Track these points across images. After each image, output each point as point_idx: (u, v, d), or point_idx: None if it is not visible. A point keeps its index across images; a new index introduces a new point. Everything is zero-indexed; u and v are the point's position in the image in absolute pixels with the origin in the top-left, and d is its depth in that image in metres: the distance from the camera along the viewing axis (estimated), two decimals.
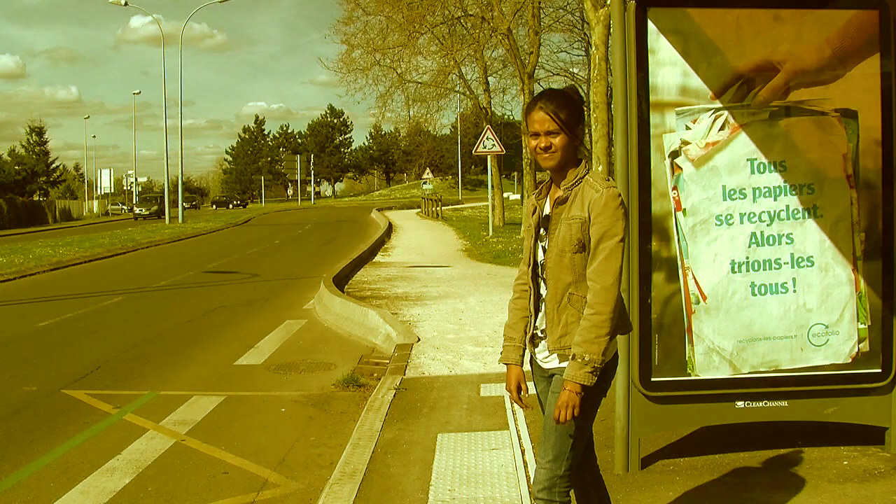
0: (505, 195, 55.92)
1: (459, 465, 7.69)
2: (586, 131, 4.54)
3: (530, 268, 5.00)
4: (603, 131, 25.23)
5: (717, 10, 7.19)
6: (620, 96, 7.00)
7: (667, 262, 7.14)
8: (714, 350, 7.20)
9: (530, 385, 4.99)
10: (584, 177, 4.78)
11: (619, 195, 4.68)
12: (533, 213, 5.03)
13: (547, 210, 4.90)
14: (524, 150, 42.49)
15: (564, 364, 4.70)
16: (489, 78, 49.69)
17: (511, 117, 64.82)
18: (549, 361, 4.88)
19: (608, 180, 4.77)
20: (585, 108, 38.20)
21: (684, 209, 7.07)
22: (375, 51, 45.41)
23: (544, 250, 4.88)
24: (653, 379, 7.16)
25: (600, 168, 24.98)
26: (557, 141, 4.76)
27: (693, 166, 7.04)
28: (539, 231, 4.97)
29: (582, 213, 4.69)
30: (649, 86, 7.02)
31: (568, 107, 4.80)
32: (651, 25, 7.00)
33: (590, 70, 44.02)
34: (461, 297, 19.06)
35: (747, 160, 7.11)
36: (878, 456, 7.45)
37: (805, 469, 7.21)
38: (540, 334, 4.94)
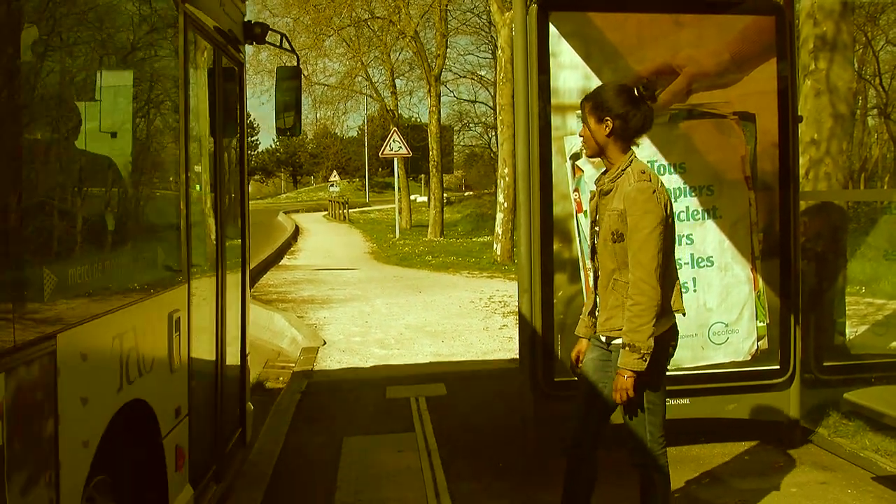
0: (412, 197, 55.92)
1: (365, 468, 7.66)
2: (613, 123, 5.06)
3: (590, 250, 5.50)
4: (508, 133, 25.44)
5: (618, 14, 7.28)
6: (522, 99, 7.03)
7: (569, 262, 7.19)
8: None
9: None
10: (626, 169, 5.12)
11: (650, 188, 4.97)
12: (591, 199, 5.48)
13: (596, 199, 5.33)
14: (431, 153, 42.52)
15: (614, 341, 5.18)
16: (396, 80, 49.58)
17: (418, 119, 64.83)
18: (601, 337, 5.33)
19: (643, 173, 5.07)
20: (492, 110, 38.28)
21: (585, 211, 7.11)
22: (282, 53, 45.07)
23: (597, 236, 5.32)
24: (556, 379, 7.19)
25: (506, 170, 25.14)
26: (583, 130, 5.27)
27: (594, 168, 7.09)
28: (595, 217, 5.38)
29: (619, 205, 5.05)
30: (551, 89, 7.07)
31: (589, 99, 5.25)
32: (553, 29, 7.05)
33: (496, 73, 44.14)
34: (367, 300, 18.98)
35: (648, 162, 7.16)
36: (778, 450, 7.59)
37: (707, 465, 7.32)
38: (597, 312, 5.41)
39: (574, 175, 7.12)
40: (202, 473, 6.10)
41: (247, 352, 7.73)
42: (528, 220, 7.07)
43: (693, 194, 7.26)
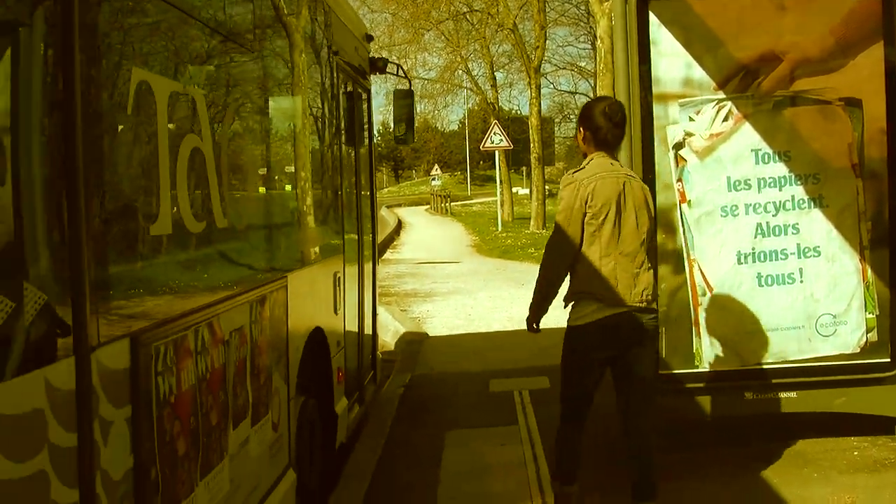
0: (514, 190, 55.91)
1: (468, 462, 7.66)
2: (584, 133, 5.99)
3: None
4: None
5: (718, 0, 7.17)
6: (623, 89, 6.97)
7: (673, 254, 7.11)
8: (721, 342, 7.17)
9: None
10: (581, 168, 5.95)
11: (568, 180, 5.88)
12: None
13: None
14: (532, 145, 42.40)
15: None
16: (496, 73, 49.59)
17: (518, 112, 64.74)
18: None
19: (576, 171, 5.93)
20: None
21: (689, 201, 7.04)
22: (381, 48, 45.38)
23: None
24: (660, 372, 7.12)
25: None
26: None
27: (697, 158, 7.01)
28: None
29: None
30: (652, 78, 6.99)
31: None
32: (652, 17, 6.97)
33: (596, 63, 43.89)
34: (470, 293, 19.02)
35: (752, 150, 7.07)
36: (888, 446, 7.36)
37: (815, 460, 7.15)
38: None
39: (677, 165, 7.03)
40: (350, 394, 8.20)
41: (377, 311, 10.26)
42: None
43: (798, 182, 7.12)
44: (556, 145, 62.65)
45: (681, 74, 7.01)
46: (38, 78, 2.92)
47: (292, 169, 6.41)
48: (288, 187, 6.41)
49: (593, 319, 5.72)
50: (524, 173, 73.66)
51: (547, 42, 44.02)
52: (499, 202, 42.89)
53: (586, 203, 5.66)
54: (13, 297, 2.68)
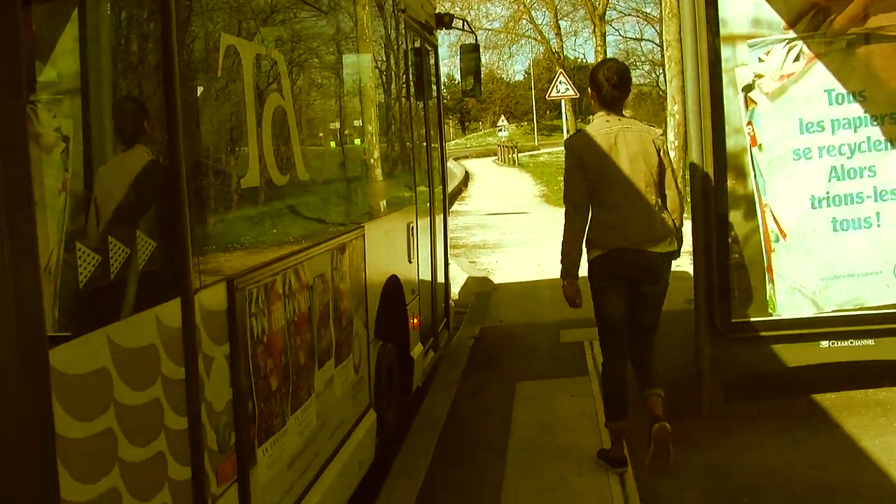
0: None
1: (538, 414, 7.60)
2: (591, 92, 6.47)
3: None
4: (677, 69, 24.80)
5: None
6: (690, 31, 6.79)
7: (744, 199, 6.94)
8: (796, 289, 7.00)
9: None
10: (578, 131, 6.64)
11: (567, 140, 6.55)
12: None
13: None
14: None
15: None
16: (560, 22, 49.13)
17: (584, 60, 64.06)
18: None
19: (576, 133, 6.65)
20: (658, 47, 37.63)
21: (760, 144, 6.85)
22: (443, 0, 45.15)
23: None
24: (733, 320, 6.99)
25: (675, 108, 24.63)
26: None
27: (768, 100, 6.82)
28: None
29: None
30: (719, 19, 6.79)
31: None
32: None
33: (661, 8, 43.24)
34: (539, 243, 18.84)
35: (825, 91, 6.86)
36: None
37: (894, 409, 7.01)
38: None
39: (747, 107, 6.84)
40: (425, 340, 8.53)
41: (449, 261, 10.43)
42: (701, 155, 6.84)
43: (875, 123, 6.89)
44: None
45: (749, 14, 6.81)
46: (138, 45, 3.28)
47: (366, 124, 6.64)
48: (362, 142, 6.64)
49: (598, 254, 6.24)
50: (589, 122, 73.19)
51: None
52: None
53: (582, 161, 6.21)
54: (128, 243, 3.01)
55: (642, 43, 56.63)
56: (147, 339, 3.09)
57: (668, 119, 25.89)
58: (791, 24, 6.80)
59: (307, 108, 5.28)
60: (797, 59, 6.81)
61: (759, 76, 6.80)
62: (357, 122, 6.50)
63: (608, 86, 6.22)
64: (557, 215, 24.49)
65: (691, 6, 6.76)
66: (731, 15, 6.80)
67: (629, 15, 54.24)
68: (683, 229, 6.43)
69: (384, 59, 7.38)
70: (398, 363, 7.39)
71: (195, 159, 3.54)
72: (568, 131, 43.56)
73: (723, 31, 6.78)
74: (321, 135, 5.77)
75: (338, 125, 6.04)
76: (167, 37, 3.21)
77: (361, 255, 6.01)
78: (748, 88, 6.81)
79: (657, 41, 52.49)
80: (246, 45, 4.15)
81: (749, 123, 6.84)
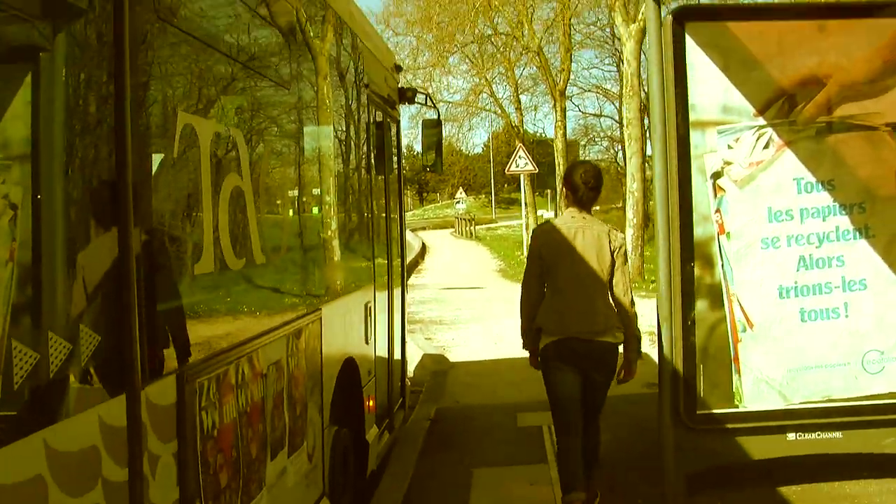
0: (539, 213, 55.53)
1: (496, 502, 7.36)
2: (563, 190, 7.13)
3: None
4: (636, 147, 24.96)
5: (758, 22, 6.87)
6: (659, 116, 6.66)
7: (710, 288, 6.79)
8: (762, 380, 6.85)
9: None
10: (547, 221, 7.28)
11: (533, 233, 7.22)
12: None
13: None
14: (557, 169, 42.20)
15: None
16: (521, 96, 49.35)
17: (543, 135, 64.43)
18: None
19: (543, 224, 7.38)
20: (618, 124, 38.05)
21: (728, 232, 6.73)
22: (406, 71, 45.23)
23: None
24: (698, 412, 6.81)
25: (634, 185, 24.68)
26: None
27: (737, 187, 6.70)
28: None
29: None
30: (688, 104, 6.68)
31: None
32: (689, 40, 6.66)
33: (621, 86, 43.59)
34: (496, 319, 18.70)
35: (794, 179, 6.76)
36: None
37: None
38: None
39: (715, 195, 6.72)
40: (381, 421, 8.34)
41: (406, 340, 10.20)
42: (668, 243, 6.70)
43: (843, 212, 6.79)
44: None
45: (719, 100, 6.71)
46: (92, 115, 3.08)
47: (326, 203, 6.51)
48: (322, 221, 6.47)
49: (548, 342, 6.72)
50: (548, 196, 73.45)
51: (572, 64, 43.84)
52: (524, 226, 42.55)
53: (540, 251, 6.78)
54: (70, 338, 2.81)
55: (601, 119, 57.20)
56: (88, 441, 2.88)
57: (626, 196, 25.97)
58: (761, 111, 6.71)
59: (266, 187, 5.06)
60: (766, 146, 6.71)
61: (728, 163, 6.69)
62: (317, 201, 6.35)
63: (585, 188, 6.70)
64: (513, 291, 24.53)
65: (661, 89, 6.64)
66: (700, 101, 6.69)
67: (589, 91, 54.89)
68: (639, 321, 6.79)
69: (346, 135, 7.29)
70: (353, 447, 7.15)
71: (147, 242, 3.35)
72: (526, 205, 43.68)
73: (692, 117, 6.67)
74: (279, 215, 5.57)
75: (297, 205, 5.89)
76: (121, 110, 3.09)
77: (318, 340, 5.83)
78: (717, 175, 6.69)
79: (616, 118, 53.04)
80: (203, 123, 3.96)
81: (717, 211, 6.72)
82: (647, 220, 26.34)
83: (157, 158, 3.55)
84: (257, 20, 4.93)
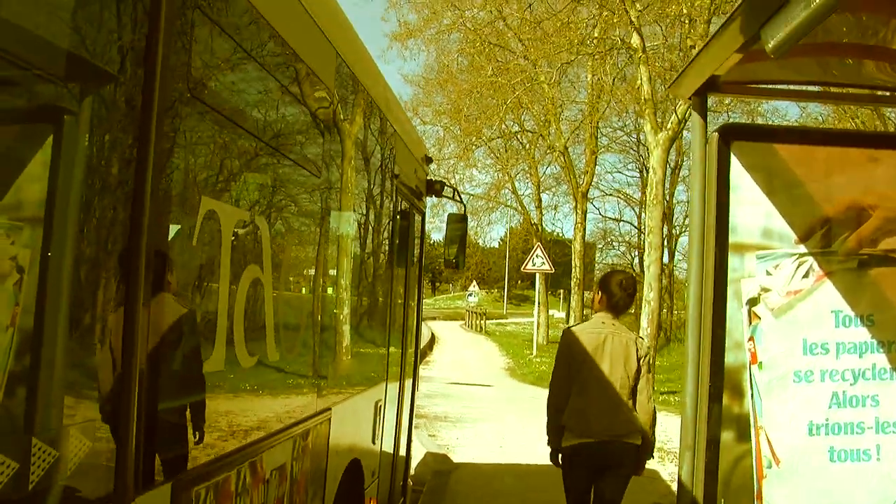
0: (550, 313, 55.29)
1: None
2: (599, 295, 7.55)
3: None
4: (655, 256, 24.75)
5: (806, 146, 6.62)
6: (697, 235, 6.39)
7: (738, 419, 6.46)
8: None
9: None
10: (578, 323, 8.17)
11: (563, 333, 7.59)
12: None
13: None
14: (574, 270, 42.06)
15: None
16: (542, 194, 49.43)
17: (561, 235, 64.50)
18: None
19: (574, 325, 7.76)
20: (640, 231, 38.30)
21: (760, 362, 6.41)
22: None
23: None
24: None
25: (651, 294, 24.43)
26: None
27: (772, 316, 6.40)
28: None
29: None
30: (729, 226, 6.41)
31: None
32: (734, 160, 6.42)
33: (643, 193, 43.65)
34: (502, 422, 18.43)
35: (832, 312, 6.45)
36: None
37: None
38: None
39: (750, 322, 6.41)
40: None
41: (412, 439, 9.97)
42: (697, 368, 6.37)
43: (881, 350, 6.48)
44: (596, 271, 62.36)
45: (760, 224, 6.43)
46: (108, 188, 2.83)
47: (346, 299, 6.37)
48: (341, 318, 6.26)
49: (569, 444, 7.17)
50: (560, 296, 73.20)
51: (596, 167, 43.92)
52: (535, 325, 42.30)
53: (570, 353, 7.21)
54: (54, 443, 2.47)
55: (620, 224, 57.18)
56: None
57: (642, 305, 25.70)
58: (803, 239, 6.43)
59: (286, 280, 4.77)
60: (806, 275, 6.42)
61: (766, 290, 6.39)
62: (338, 296, 6.08)
63: (623, 294, 7.26)
64: (521, 391, 24.44)
65: (701, 207, 6.38)
66: (741, 223, 6.40)
67: (611, 195, 54.92)
68: (654, 429, 7.30)
69: (371, 228, 7.21)
70: None
71: (152, 332, 3.01)
72: (539, 304, 43.46)
73: (732, 239, 6.39)
74: (297, 309, 5.24)
75: (316, 299, 5.55)
76: (141, 184, 2.82)
77: (325, 441, 5.54)
78: (753, 302, 6.39)
79: (635, 223, 53.03)
80: (227, 210, 3.68)
81: (751, 339, 6.40)
82: (659, 329, 26.08)
83: (174, 241, 3.30)
84: (290, 100, 4.69)
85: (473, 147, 43.46)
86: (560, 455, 7.36)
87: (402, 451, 9.38)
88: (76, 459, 2.57)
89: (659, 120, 25.90)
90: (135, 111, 2.84)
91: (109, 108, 2.83)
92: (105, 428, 2.73)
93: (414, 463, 13.73)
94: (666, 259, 39.94)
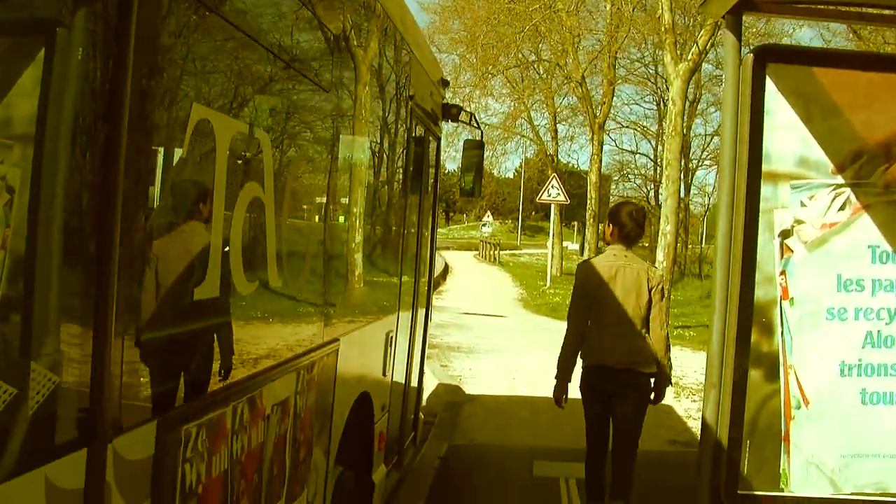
0: (564, 244, 54.97)
1: None
2: (611, 228, 7.53)
3: None
4: (672, 189, 24.37)
5: (848, 71, 6.24)
6: (728, 163, 6.04)
7: (767, 357, 6.15)
8: (813, 463, 6.20)
9: None
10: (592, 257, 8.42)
11: (578, 266, 7.69)
12: None
13: None
14: (589, 202, 41.73)
15: None
16: (558, 125, 48.86)
17: (576, 166, 63.88)
18: None
19: (588, 259, 8.12)
20: (656, 165, 37.75)
21: (792, 298, 6.09)
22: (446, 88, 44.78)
23: None
24: (739, 491, 6.18)
25: (668, 227, 24.09)
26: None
27: (805, 249, 6.07)
28: None
29: None
30: (762, 153, 6.06)
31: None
32: (770, 84, 6.05)
33: (661, 125, 43.08)
34: (515, 353, 18.22)
35: (868, 247, 6.12)
36: None
37: None
38: None
39: (782, 255, 6.08)
40: (390, 458, 7.80)
41: (424, 371, 9.62)
42: (725, 303, 6.05)
43: None
44: (611, 204, 61.97)
45: (796, 152, 6.07)
46: (100, 103, 2.52)
47: (355, 221, 5.99)
48: (350, 242, 5.91)
49: (586, 364, 7.31)
50: (575, 228, 72.89)
51: (613, 99, 43.37)
52: (549, 256, 42.01)
53: (584, 287, 7.29)
54: (17, 381, 2.22)
55: (636, 156, 56.60)
56: None
57: (658, 238, 25.37)
58: (840, 169, 6.08)
59: (290, 199, 4.39)
60: (842, 207, 6.08)
61: (800, 222, 6.05)
62: (346, 218, 5.73)
63: (633, 225, 7.30)
64: (534, 322, 24.16)
65: (733, 133, 6.02)
66: (776, 151, 6.05)
67: (627, 127, 54.24)
68: (669, 357, 7.32)
69: (383, 148, 6.89)
70: (358, 487, 6.53)
71: (136, 251, 2.74)
72: (554, 235, 43.17)
73: (765, 167, 6.03)
74: (303, 234, 4.90)
75: (323, 221, 5.19)
76: (126, 96, 2.53)
77: (332, 374, 5.20)
78: (786, 234, 6.05)
79: (651, 156, 52.49)
80: (223, 119, 3.37)
81: (783, 273, 6.07)
82: (674, 263, 25.81)
83: (161, 154, 3.00)
84: (297, 7, 4.33)
85: (490, 76, 42.95)
86: (581, 375, 7.41)
87: (414, 384, 9.10)
88: (45, 392, 2.31)
89: (679, 52, 25.37)
90: (131, 19, 2.57)
91: (104, 19, 2.54)
92: (77, 361, 2.44)
93: (426, 394, 13.56)
94: (682, 193, 39.48)
